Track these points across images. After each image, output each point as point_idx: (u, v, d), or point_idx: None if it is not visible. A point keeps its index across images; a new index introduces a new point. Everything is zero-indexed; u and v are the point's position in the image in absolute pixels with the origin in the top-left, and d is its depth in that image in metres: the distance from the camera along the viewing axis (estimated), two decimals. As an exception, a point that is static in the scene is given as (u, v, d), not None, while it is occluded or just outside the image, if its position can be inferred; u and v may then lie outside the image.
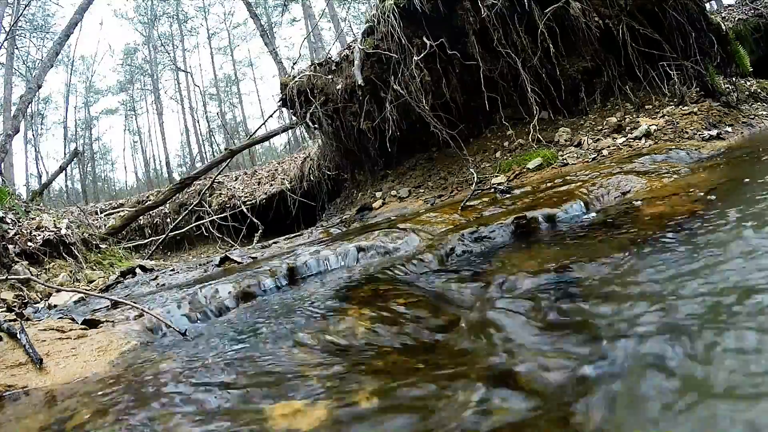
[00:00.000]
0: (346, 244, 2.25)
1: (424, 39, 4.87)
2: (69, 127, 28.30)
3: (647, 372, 0.83)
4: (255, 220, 7.80)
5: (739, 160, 2.98)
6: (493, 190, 3.54)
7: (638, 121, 4.42)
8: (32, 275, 3.45)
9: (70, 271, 3.94)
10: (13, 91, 13.53)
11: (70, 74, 27.93)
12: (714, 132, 3.94)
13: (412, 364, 1.08)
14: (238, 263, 2.77)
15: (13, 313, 1.99)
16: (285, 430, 0.81)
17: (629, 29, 4.62)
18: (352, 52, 5.31)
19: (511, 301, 1.37)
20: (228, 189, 9.70)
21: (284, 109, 6.44)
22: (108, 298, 1.93)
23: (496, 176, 4.40)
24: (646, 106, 4.70)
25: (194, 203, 8.95)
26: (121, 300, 1.84)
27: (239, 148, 8.94)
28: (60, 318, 1.76)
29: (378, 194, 5.44)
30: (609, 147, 4.13)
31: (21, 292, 3.15)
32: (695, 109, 4.34)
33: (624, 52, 4.71)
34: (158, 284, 2.63)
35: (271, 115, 9.38)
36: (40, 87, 8.65)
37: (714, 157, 3.29)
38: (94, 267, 4.31)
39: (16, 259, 3.67)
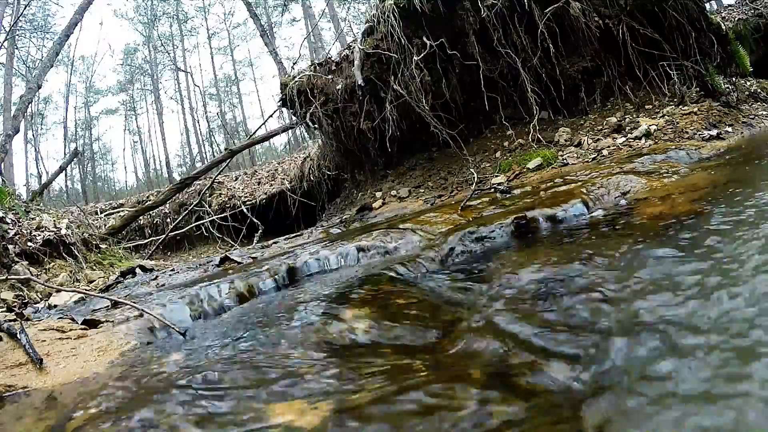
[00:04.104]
0: (346, 244, 2.25)
1: (424, 39, 4.87)
2: (69, 127, 28.31)
3: (648, 372, 0.83)
4: (255, 220, 7.80)
5: (739, 161, 2.97)
6: (493, 190, 3.54)
7: (638, 121, 4.42)
8: (32, 275, 3.45)
9: (70, 271, 3.94)
10: (13, 91, 13.53)
11: (70, 74, 27.95)
12: (714, 132, 3.94)
13: (412, 364, 1.08)
14: (238, 263, 2.77)
15: (13, 313, 1.99)
16: (285, 430, 0.81)
17: (629, 29, 4.62)
18: (352, 52, 5.30)
19: (510, 301, 1.38)
20: (228, 189, 9.70)
21: (284, 109, 6.44)
22: (108, 298, 1.93)
23: (496, 176, 4.40)
24: (646, 106, 4.70)
25: (194, 203, 8.95)
26: (121, 300, 1.83)
27: (239, 148, 8.94)
28: (60, 318, 1.76)
29: (378, 194, 5.43)
30: (609, 147, 4.13)
31: (21, 292, 3.15)
32: (695, 109, 4.34)
33: (624, 52, 4.71)
34: (158, 284, 2.63)
35: (271, 115, 9.39)
36: (40, 87, 8.65)
37: (714, 157, 3.29)
38: (94, 267, 4.31)
39: (16, 259, 3.67)
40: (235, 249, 5.40)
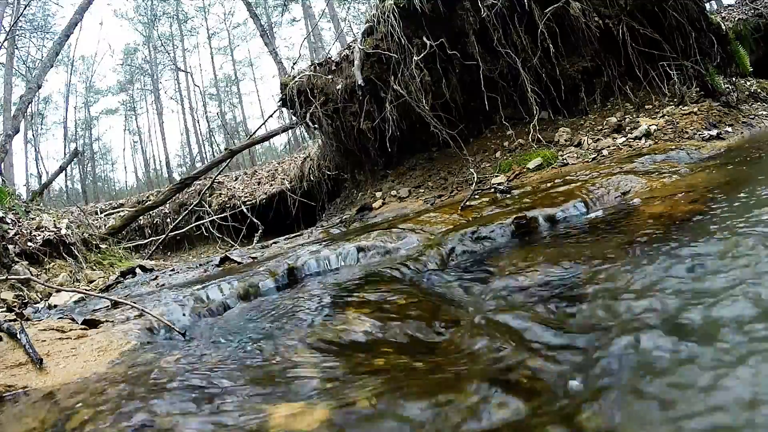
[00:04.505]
0: (346, 244, 2.25)
1: (424, 39, 4.87)
2: (69, 127, 28.30)
3: (647, 372, 0.83)
4: (255, 220, 7.80)
5: (739, 161, 2.97)
6: (493, 190, 3.54)
7: (638, 121, 4.42)
8: (32, 275, 3.45)
9: (70, 271, 3.94)
10: (13, 91, 13.52)
11: (70, 74, 27.93)
12: (714, 132, 3.94)
13: (412, 364, 1.08)
14: (238, 263, 2.77)
15: (13, 313, 1.99)
16: (285, 430, 0.81)
17: (629, 29, 4.62)
18: (352, 52, 5.30)
19: (510, 301, 1.38)
20: (228, 189, 9.70)
21: (284, 109, 6.44)
22: (108, 298, 1.93)
23: (496, 176, 4.40)
24: (646, 106, 4.70)
25: (194, 203, 8.95)
26: (121, 300, 1.83)
27: (239, 148, 8.94)
28: (60, 318, 1.76)
29: (378, 194, 5.43)
30: (609, 147, 4.13)
31: (21, 292, 3.15)
32: (695, 109, 4.34)
33: (624, 52, 4.71)
34: (158, 284, 2.63)
35: (271, 115, 9.40)
36: (40, 87, 8.65)
37: (714, 157, 3.29)
38: (94, 267, 4.30)
39: (16, 259, 3.67)
40: (235, 249, 5.40)
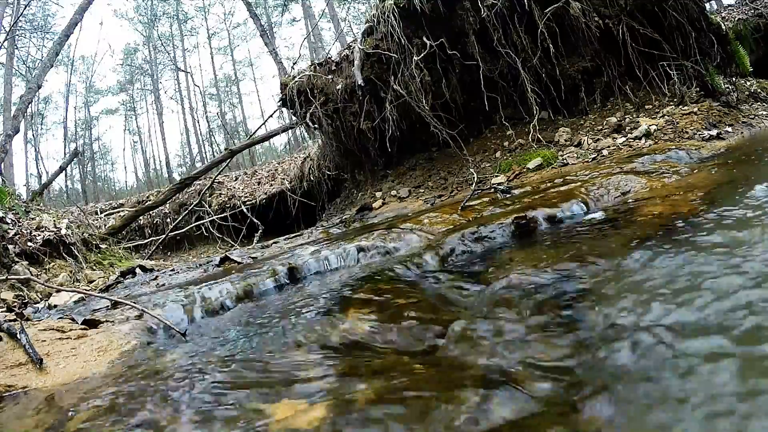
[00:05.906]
0: (346, 244, 2.25)
1: (424, 39, 4.87)
2: (69, 127, 28.27)
3: (648, 372, 0.83)
4: (255, 220, 7.80)
5: (739, 160, 2.97)
6: (493, 190, 3.54)
7: (638, 121, 4.42)
8: (32, 275, 3.45)
9: (70, 271, 3.94)
10: (13, 91, 13.52)
11: (70, 74, 27.90)
12: (714, 132, 3.94)
13: (411, 364, 1.08)
14: (238, 263, 2.77)
15: (13, 313, 1.99)
16: (285, 430, 0.81)
17: (629, 29, 4.62)
18: (352, 52, 5.30)
19: (510, 301, 1.37)
20: (228, 189, 9.70)
21: (284, 109, 6.43)
22: (108, 298, 1.93)
23: (496, 176, 4.40)
24: (646, 106, 4.70)
25: (194, 203, 8.95)
26: (121, 300, 1.83)
27: (239, 148, 8.94)
28: (60, 318, 1.76)
29: (378, 194, 5.43)
30: (609, 147, 4.13)
31: (21, 292, 3.15)
32: (695, 109, 4.34)
33: (624, 52, 4.70)
34: (158, 284, 2.63)
35: (271, 115, 9.40)
36: (40, 87, 8.65)
37: (714, 157, 3.29)
38: (94, 267, 4.30)
39: (16, 259, 3.67)
40: (235, 249, 5.40)
